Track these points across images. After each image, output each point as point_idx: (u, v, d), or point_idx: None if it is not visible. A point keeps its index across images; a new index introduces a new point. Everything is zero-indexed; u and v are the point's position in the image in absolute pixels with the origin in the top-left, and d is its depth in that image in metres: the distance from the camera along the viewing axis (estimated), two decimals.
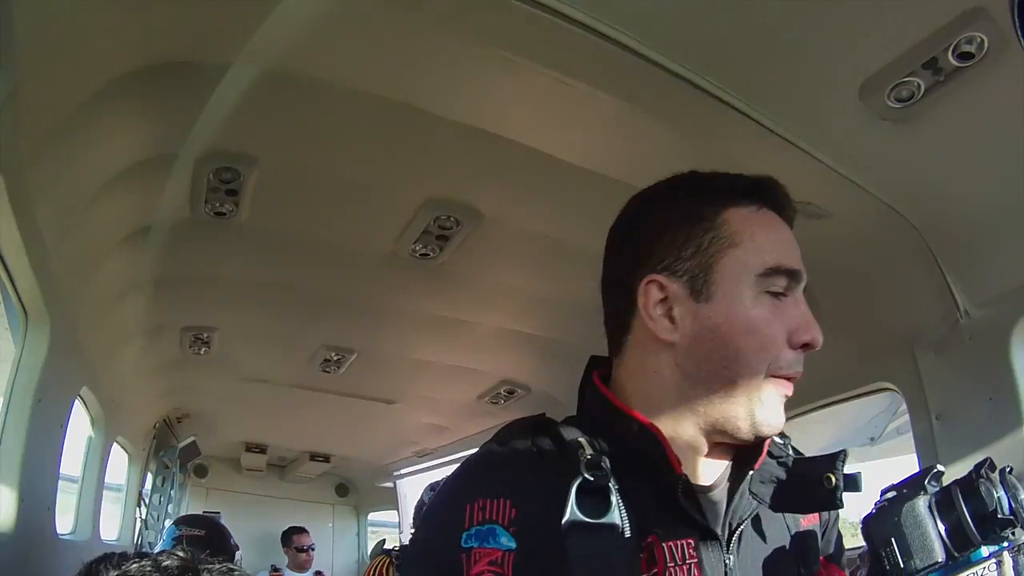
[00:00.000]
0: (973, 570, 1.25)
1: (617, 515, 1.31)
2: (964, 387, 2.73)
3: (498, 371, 5.20)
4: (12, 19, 1.82)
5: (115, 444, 5.47)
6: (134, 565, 1.52)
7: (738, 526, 1.44)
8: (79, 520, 4.86)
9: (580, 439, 1.40)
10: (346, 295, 4.19)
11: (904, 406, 3.03)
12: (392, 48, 2.31)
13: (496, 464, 1.42)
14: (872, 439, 5.16)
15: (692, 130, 2.46)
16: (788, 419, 3.02)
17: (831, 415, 3.56)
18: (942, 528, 1.30)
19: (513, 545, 1.27)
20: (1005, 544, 1.31)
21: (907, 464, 2.90)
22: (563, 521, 1.28)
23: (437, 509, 1.41)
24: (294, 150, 2.91)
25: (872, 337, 3.07)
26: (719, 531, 1.42)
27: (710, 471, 1.50)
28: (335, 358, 5.18)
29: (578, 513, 1.29)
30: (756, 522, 1.50)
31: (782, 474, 1.49)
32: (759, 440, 1.45)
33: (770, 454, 1.51)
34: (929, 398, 2.83)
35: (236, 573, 1.63)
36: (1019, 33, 1.26)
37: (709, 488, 1.48)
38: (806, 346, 1.43)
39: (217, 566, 1.62)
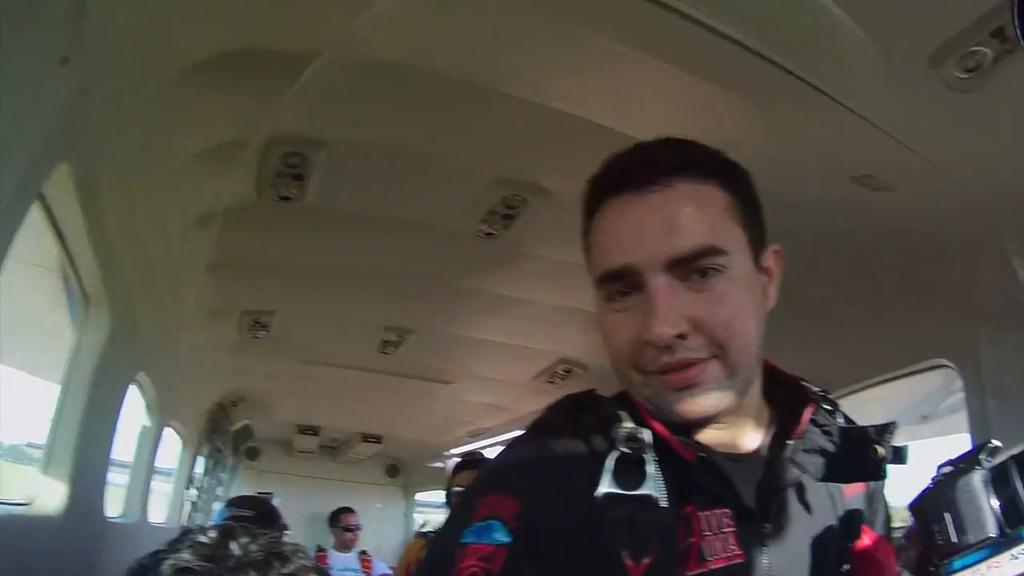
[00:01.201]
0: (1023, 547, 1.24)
1: (652, 486, 1.31)
2: (1022, 365, 2.70)
3: (555, 349, 5.20)
4: (82, 18, 1.85)
5: (167, 428, 5.60)
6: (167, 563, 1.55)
7: (776, 495, 1.44)
8: (128, 503, 4.99)
9: (620, 412, 1.38)
10: (407, 274, 4.21)
11: (958, 384, 2.99)
12: (458, 27, 2.33)
13: (520, 456, 1.42)
14: (924, 417, 5.09)
15: (756, 101, 2.43)
16: (845, 395, 2.95)
17: (882, 392, 3.52)
18: (996, 504, 1.28)
19: (507, 540, 1.25)
20: None
21: (959, 443, 2.86)
22: (596, 493, 1.28)
23: (458, 502, 1.40)
24: (361, 132, 2.93)
25: (932, 313, 3.02)
26: (751, 503, 1.40)
27: (751, 436, 1.49)
28: (394, 339, 5.22)
29: (614, 485, 1.30)
30: (799, 492, 1.48)
31: (827, 444, 1.48)
32: (694, 422, 1.37)
33: (815, 423, 1.49)
34: (986, 377, 2.79)
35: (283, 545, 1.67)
36: (1019, 33, 1.25)
37: (750, 455, 1.47)
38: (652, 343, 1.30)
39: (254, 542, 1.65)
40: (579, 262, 3.50)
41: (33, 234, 2.53)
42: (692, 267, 1.30)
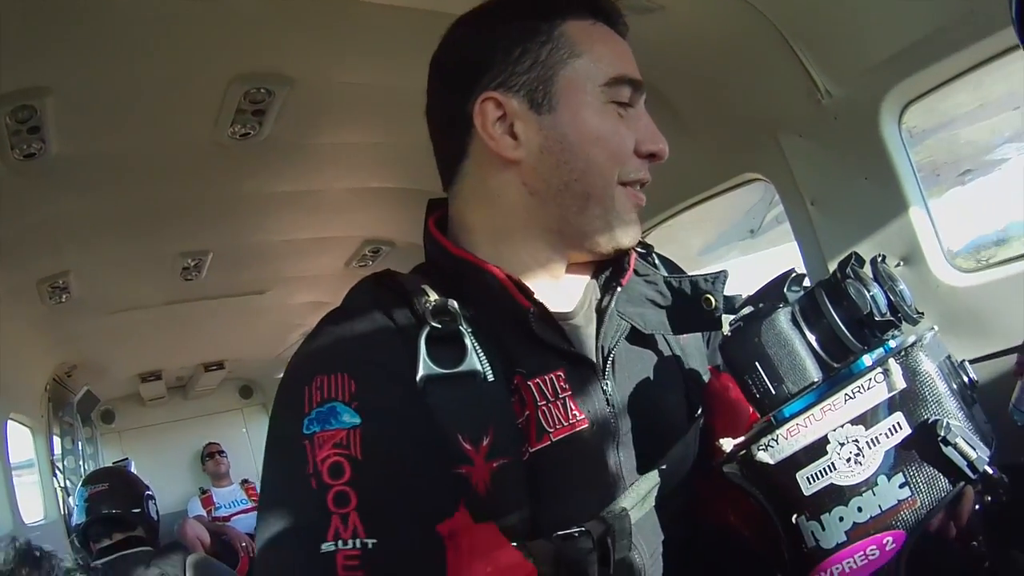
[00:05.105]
0: (857, 384, 1.11)
1: (476, 360, 1.26)
2: (836, 170, 2.65)
3: (359, 233, 5.10)
4: None
5: (10, 422, 5.36)
6: None
7: (611, 351, 1.39)
8: None
9: (423, 286, 1.33)
10: (182, 197, 3.98)
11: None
12: None
13: (332, 335, 1.31)
14: (752, 231, 5.17)
15: None
16: (660, 223, 2.95)
17: (706, 213, 3.50)
18: (812, 339, 1.15)
19: (357, 420, 1.15)
20: (891, 345, 1.19)
21: (792, 251, 2.84)
22: (417, 377, 1.22)
23: (278, 397, 1.27)
24: (83, 71, 2.67)
25: (732, 129, 2.96)
26: (591, 356, 1.36)
27: (568, 296, 1.47)
28: (192, 264, 5.01)
29: (432, 365, 1.23)
30: (632, 343, 1.47)
31: (652, 293, 1.49)
32: (619, 253, 1.44)
33: (635, 272, 1.48)
34: (801, 184, 2.76)
35: None
36: (1019, 33, 1.11)
37: (570, 314, 1.43)
38: (652, 156, 1.42)
39: None
40: (356, 142, 3.33)
41: None
42: None
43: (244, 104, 3.05)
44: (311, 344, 1.30)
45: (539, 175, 1.39)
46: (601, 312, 1.44)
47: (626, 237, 1.41)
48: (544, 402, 1.28)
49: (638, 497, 1.34)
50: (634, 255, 1.48)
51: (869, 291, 1.16)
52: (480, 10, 1.49)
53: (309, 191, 4.16)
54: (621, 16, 1.50)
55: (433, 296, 1.29)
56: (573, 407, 1.30)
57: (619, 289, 1.43)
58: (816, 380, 1.14)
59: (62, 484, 6.46)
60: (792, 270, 1.27)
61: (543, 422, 1.27)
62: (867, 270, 1.21)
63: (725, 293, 1.42)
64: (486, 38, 1.44)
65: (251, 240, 4.91)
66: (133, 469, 6.59)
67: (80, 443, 7.44)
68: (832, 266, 2.45)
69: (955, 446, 1.05)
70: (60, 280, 4.67)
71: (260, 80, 2.94)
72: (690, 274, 1.52)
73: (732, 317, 1.25)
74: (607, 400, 1.34)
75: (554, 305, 1.37)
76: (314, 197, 4.25)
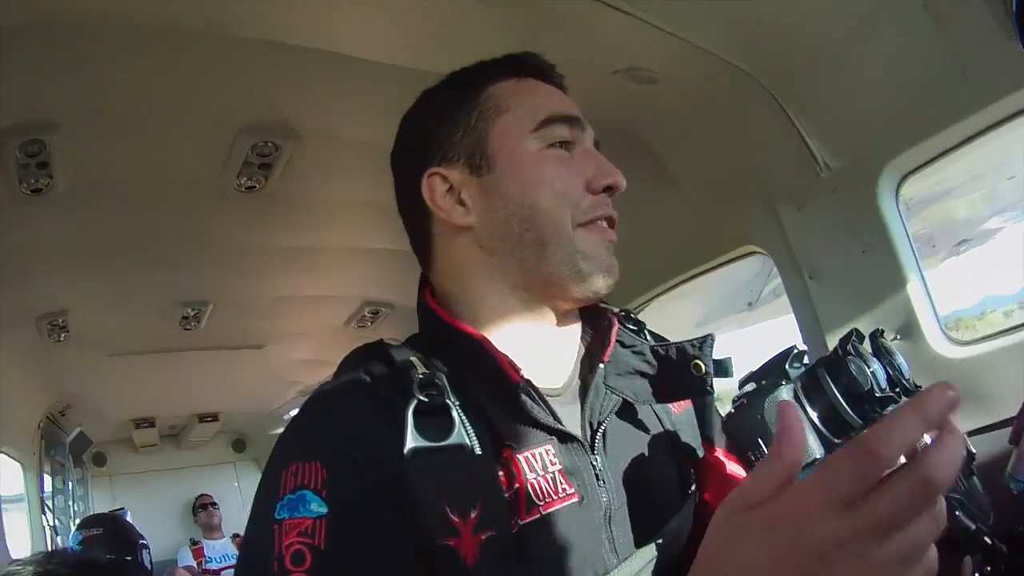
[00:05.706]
0: None
1: (463, 434, 1.24)
2: (834, 242, 2.66)
3: (358, 293, 5.11)
4: None
5: (1, 456, 5.37)
6: None
7: (599, 425, 1.37)
8: None
9: (411, 358, 1.32)
10: (185, 246, 3.99)
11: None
12: None
13: (315, 416, 1.31)
14: (750, 304, 5.14)
15: (511, 6, 2.31)
16: (659, 295, 2.88)
17: (703, 286, 3.53)
18: (814, 415, 1.17)
19: (324, 510, 1.15)
20: None
21: (789, 324, 2.84)
22: (404, 451, 1.19)
23: (263, 473, 1.28)
24: (92, 104, 2.68)
25: (731, 201, 2.96)
26: (577, 432, 1.34)
27: (559, 368, 1.44)
28: (192, 313, 5.01)
29: (420, 438, 1.20)
30: (623, 417, 1.44)
31: (640, 364, 1.45)
32: (598, 298, 1.43)
33: (622, 344, 1.46)
34: (799, 257, 2.76)
35: None
36: (1019, 33, 1.14)
37: (559, 391, 1.40)
38: (609, 189, 1.42)
39: None
40: (358, 201, 3.35)
41: None
42: None
43: (251, 157, 3.08)
44: (296, 424, 1.31)
45: (492, 234, 1.41)
46: (586, 388, 1.43)
47: (598, 279, 1.39)
48: (534, 475, 1.27)
49: (631, 572, 1.33)
50: (616, 327, 1.47)
51: (869, 367, 1.18)
52: (418, 100, 1.56)
53: (311, 247, 4.19)
54: (552, 68, 1.53)
55: (421, 369, 1.30)
56: (563, 481, 1.29)
57: (601, 365, 1.43)
58: (818, 456, 1.15)
59: (51, 523, 6.40)
60: (793, 347, 1.29)
61: (532, 495, 1.26)
62: (867, 345, 1.23)
63: (714, 357, 1.40)
64: (423, 122, 1.50)
65: (252, 293, 4.94)
66: (129, 518, 6.56)
67: (71, 483, 7.39)
68: (831, 340, 2.48)
69: (954, 519, 1.07)
70: (60, 318, 4.66)
71: (268, 133, 2.97)
72: (675, 340, 1.50)
73: (735, 394, 1.25)
74: (596, 475, 1.33)
75: (544, 380, 1.37)
76: (316, 254, 4.27)
